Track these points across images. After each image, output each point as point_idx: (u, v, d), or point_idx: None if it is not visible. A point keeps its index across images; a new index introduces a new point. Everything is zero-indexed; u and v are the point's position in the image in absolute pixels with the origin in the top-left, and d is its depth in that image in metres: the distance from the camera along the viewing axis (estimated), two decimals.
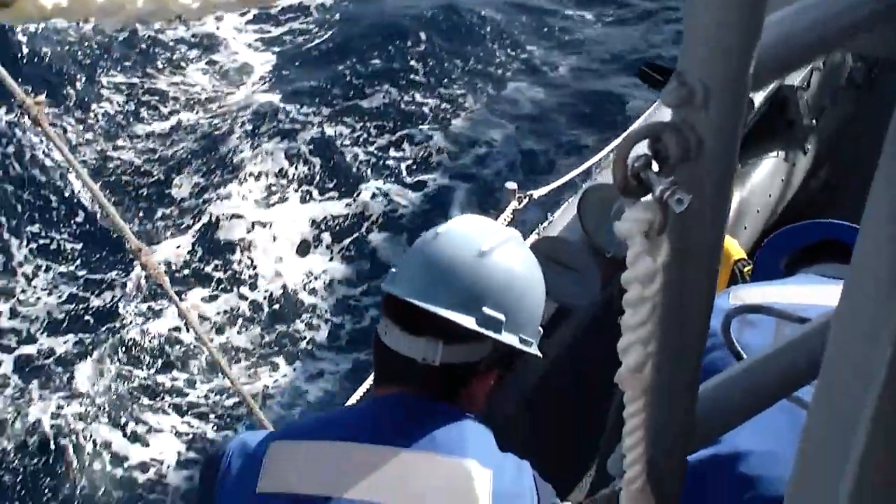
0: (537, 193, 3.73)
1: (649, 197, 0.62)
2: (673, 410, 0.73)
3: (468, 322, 1.29)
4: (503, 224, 3.22)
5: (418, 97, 7.50)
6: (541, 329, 1.43)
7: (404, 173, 6.84)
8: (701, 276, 0.72)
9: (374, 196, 6.62)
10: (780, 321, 1.38)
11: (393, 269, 1.37)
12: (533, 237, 3.29)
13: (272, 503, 1.23)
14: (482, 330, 1.30)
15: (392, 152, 6.99)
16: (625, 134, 0.77)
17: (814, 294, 1.60)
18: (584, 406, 2.91)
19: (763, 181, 3.57)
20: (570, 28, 8.52)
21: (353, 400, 2.62)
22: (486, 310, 1.29)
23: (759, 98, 3.41)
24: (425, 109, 7.40)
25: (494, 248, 1.32)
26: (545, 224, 3.43)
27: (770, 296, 1.61)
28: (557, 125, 7.40)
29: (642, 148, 0.65)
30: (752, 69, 0.61)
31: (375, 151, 7.01)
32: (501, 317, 1.31)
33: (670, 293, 0.69)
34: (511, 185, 3.66)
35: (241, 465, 1.29)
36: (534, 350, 1.38)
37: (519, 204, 3.58)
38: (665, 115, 0.66)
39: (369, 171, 6.85)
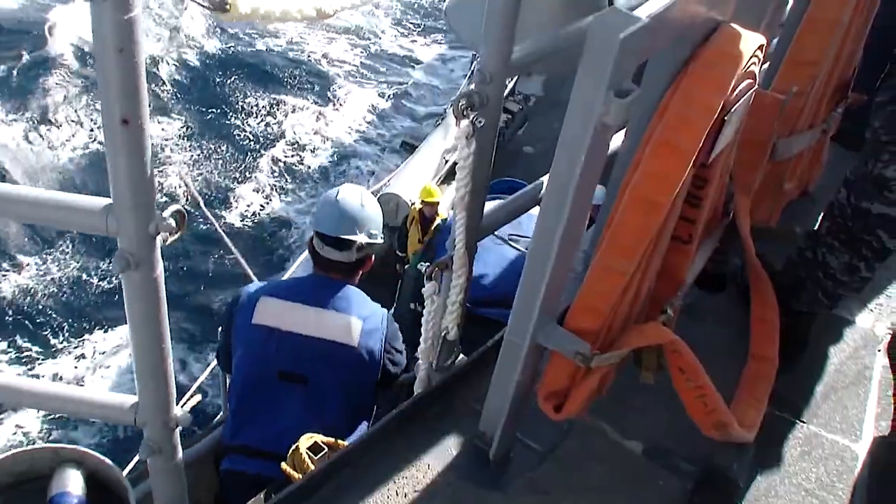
0: None
1: (469, 120, 1.52)
2: (473, 219, 1.65)
3: (364, 239, 2.62)
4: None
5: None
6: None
7: None
8: (485, 161, 1.63)
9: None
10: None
11: (317, 216, 2.62)
12: None
13: (259, 330, 2.45)
14: (370, 240, 2.61)
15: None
16: (457, 95, 1.65)
17: None
18: None
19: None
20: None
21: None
22: (370, 229, 2.63)
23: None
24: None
25: (364, 201, 2.65)
26: None
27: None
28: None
29: (464, 101, 1.55)
30: (507, 70, 1.54)
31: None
32: (376, 231, 2.63)
33: (473, 167, 1.60)
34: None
35: (244, 307, 2.51)
36: (381, 239, 2.63)
37: None
38: (472, 87, 1.57)
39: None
